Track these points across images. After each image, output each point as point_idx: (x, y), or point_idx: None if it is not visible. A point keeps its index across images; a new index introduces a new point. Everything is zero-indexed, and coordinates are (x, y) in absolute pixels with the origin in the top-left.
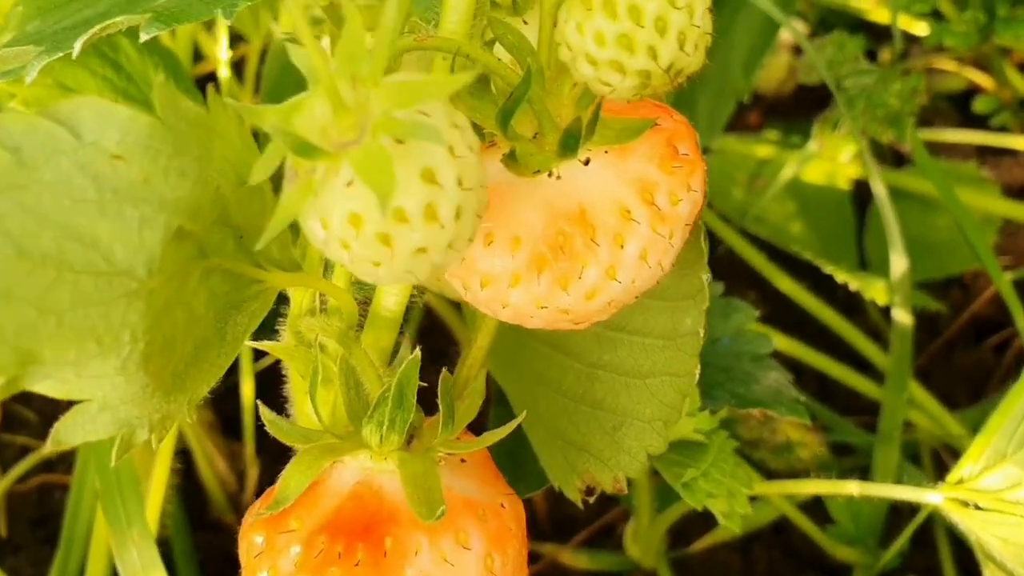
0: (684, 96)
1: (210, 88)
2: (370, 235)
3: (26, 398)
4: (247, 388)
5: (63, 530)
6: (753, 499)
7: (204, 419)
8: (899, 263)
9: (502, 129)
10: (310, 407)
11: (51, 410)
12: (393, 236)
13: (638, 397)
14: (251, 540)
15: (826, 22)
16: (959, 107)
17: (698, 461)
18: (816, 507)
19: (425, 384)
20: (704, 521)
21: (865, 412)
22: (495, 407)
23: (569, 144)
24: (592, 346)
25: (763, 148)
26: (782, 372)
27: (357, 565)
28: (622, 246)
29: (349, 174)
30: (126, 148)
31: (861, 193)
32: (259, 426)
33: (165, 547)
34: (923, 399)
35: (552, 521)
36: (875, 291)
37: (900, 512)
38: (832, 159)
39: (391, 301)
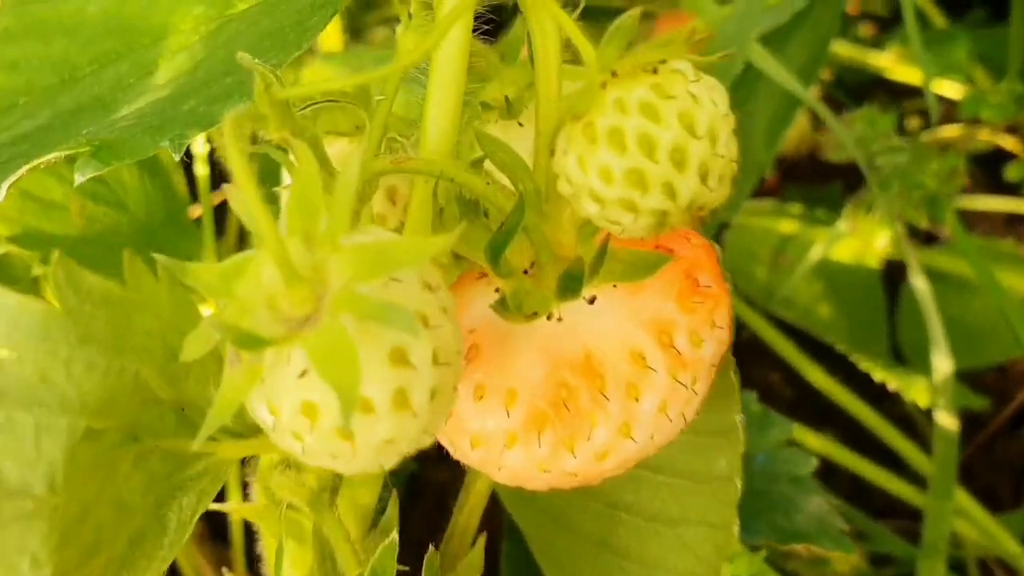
0: None
1: (127, 256)
2: (328, 428)
3: None
4: (235, 499)
5: None
6: None
7: (194, 531)
8: (942, 363)
9: (492, 265)
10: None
11: None
12: (355, 429)
13: (669, 548)
14: None
15: (843, 81)
16: (987, 169)
17: None
18: None
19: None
20: None
21: (903, 514)
22: (507, 541)
23: (570, 287)
24: (611, 483)
25: (786, 223)
26: (824, 496)
27: None
28: (637, 399)
29: (303, 361)
30: (16, 342)
31: (891, 270)
32: (248, 536)
33: None
34: (969, 507)
35: None
36: (916, 392)
37: None
38: (866, 242)
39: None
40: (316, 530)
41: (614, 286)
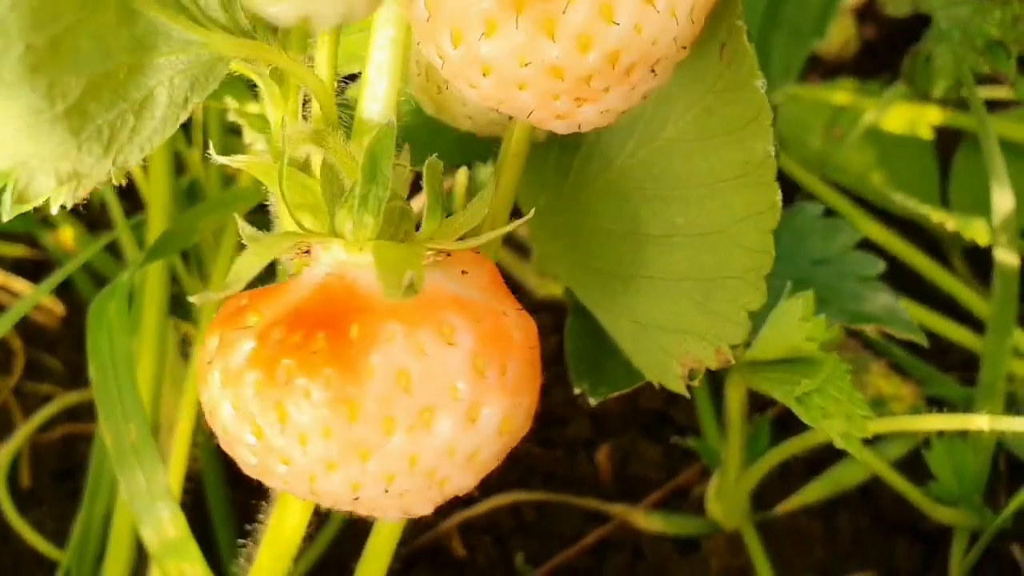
0: (758, 37)
1: None
2: None
3: (51, 346)
4: None
5: (87, 484)
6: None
7: None
8: (1002, 199)
9: None
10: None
11: (76, 358)
12: None
13: (724, 253)
14: (206, 346)
15: None
16: None
17: (811, 377)
18: (906, 467)
19: None
20: (783, 484)
21: (960, 368)
22: (571, 317)
23: None
24: (662, 212)
25: (840, 95)
26: (891, 295)
27: (315, 353)
28: None
29: None
30: None
31: (943, 143)
32: None
33: (197, 483)
34: None
35: (619, 482)
36: (974, 231)
37: (996, 470)
38: (923, 96)
39: (375, 108)
40: (323, 164)
41: None
